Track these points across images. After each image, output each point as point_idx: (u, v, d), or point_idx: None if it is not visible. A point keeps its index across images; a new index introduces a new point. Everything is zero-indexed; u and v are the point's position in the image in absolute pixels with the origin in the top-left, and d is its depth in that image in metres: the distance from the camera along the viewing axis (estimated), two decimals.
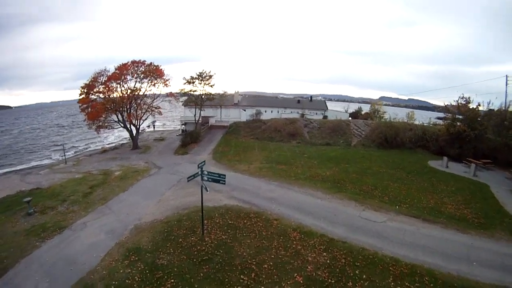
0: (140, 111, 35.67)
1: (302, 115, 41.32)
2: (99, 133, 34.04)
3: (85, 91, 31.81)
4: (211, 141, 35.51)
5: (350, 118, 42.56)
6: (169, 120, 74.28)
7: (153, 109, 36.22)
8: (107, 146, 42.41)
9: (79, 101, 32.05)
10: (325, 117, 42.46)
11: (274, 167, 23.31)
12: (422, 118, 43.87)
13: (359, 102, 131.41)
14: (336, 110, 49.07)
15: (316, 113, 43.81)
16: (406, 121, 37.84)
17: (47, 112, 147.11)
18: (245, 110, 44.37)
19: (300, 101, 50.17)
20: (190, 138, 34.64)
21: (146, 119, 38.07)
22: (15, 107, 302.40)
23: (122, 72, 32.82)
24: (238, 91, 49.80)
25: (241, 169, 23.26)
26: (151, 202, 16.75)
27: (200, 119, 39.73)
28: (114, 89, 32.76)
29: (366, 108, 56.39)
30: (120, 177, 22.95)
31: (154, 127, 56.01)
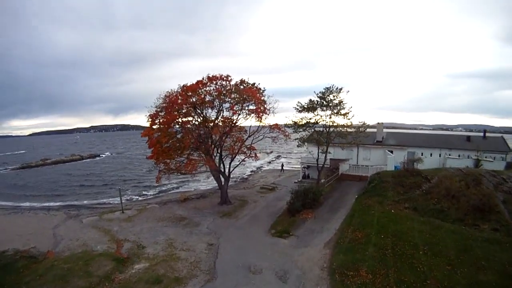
0: (232, 150, 24.28)
1: (478, 161, 25.00)
2: (159, 181, 24.25)
3: (156, 121, 22.33)
4: (336, 209, 21.00)
5: None
6: (294, 158, 59.70)
7: (244, 150, 24.23)
8: (201, 190, 33.66)
9: (142, 134, 23.51)
10: (509, 165, 25.11)
11: None
12: None
13: (500, 132, 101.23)
14: None
15: (494, 158, 27.42)
16: None
17: None
18: (392, 153, 27.81)
19: (471, 139, 31.42)
20: (303, 201, 20.85)
21: (239, 163, 26.58)
22: None
23: (185, 96, 21.95)
24: (382, 123, 32.15)
25: None
26: None
27: (328, 162, 27.17)
28: (178, 119, 22.44)
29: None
30: None
31: (282, 168, 43.68)
